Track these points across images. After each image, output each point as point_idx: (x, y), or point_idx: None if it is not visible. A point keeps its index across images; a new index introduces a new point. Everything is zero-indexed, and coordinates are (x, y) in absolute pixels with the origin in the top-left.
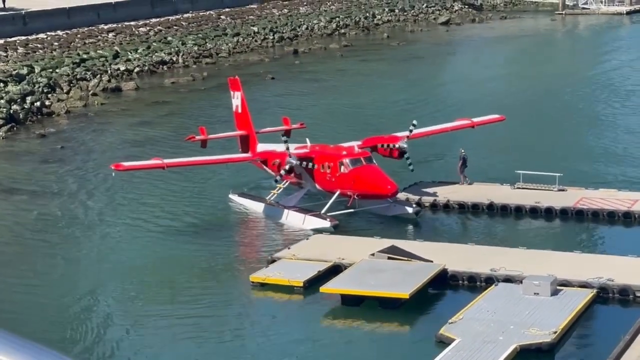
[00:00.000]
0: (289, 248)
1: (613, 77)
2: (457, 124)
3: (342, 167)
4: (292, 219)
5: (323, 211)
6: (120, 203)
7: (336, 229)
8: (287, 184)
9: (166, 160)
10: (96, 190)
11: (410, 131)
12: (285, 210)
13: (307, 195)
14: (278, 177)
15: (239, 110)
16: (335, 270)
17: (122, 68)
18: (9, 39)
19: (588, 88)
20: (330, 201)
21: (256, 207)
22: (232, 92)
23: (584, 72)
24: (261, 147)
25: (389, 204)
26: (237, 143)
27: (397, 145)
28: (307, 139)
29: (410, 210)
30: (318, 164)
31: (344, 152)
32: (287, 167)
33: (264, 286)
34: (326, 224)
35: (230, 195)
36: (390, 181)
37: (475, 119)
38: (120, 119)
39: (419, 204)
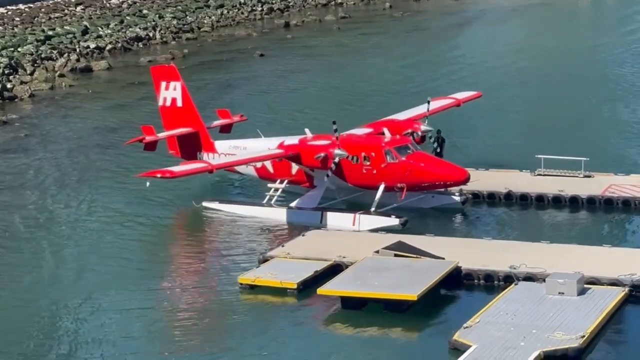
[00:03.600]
0: (282, 246)
1: None
2: (442, 103)
3: (389, 157)
4: (335, 221)
5: (372, 209)
6: (90, 201)
7: (404, 227)
8: (285, 183)
9: (213, 162)
10: (65, 184)
11: (428, 109)
12: (315, 213)
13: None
14: (329, 172)
15: (178, 104)
16: (334, 270)
17: (93, 45)
18: None
19: (618, 62)
20: (377, 197)
21: (260, 213)
22: (163, 83)
23: (614, 44)
24: (223, 144)
25: (425, 195)
26: (176, 144)
27: (421, 130)
28: (307, 129)
29: (458, 199)
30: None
31: (386, 140)
32: (336, 159)
33: (253, 288)
34: (392, 221)
35: (205, 204)
36: (457, 166)
37: (457, 95)
38: (91, 102)
39: (473, 194)
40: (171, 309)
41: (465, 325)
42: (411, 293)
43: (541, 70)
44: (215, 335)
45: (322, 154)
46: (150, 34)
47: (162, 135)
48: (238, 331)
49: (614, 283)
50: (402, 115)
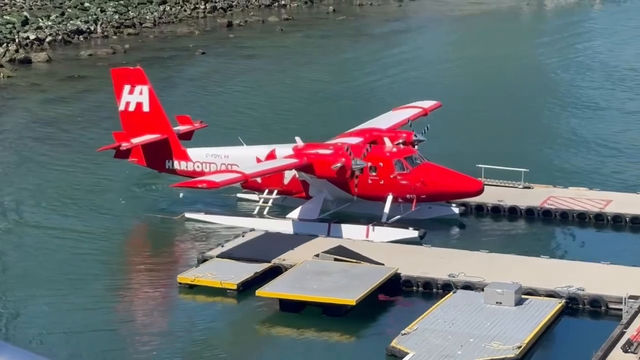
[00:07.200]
0: (222, 246)
1: (586, 61)
2: (410, 112)
3: (398, 167)
4: (346, 233)
5: (384, 220)
6: (30, 198)
7: (423, 239)
8: (275, 194)
9: (247, 172)
10: (4, 179)
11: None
12: (321, 224)
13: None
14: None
15: (145, 109)
16: (274, 272)
17: (32, 37)
18: None
19: (558, 73)
20: (387, 208)
21: (255, 225)
22: (126, 87)
23: (553, 55)
24: (199, 152)
25: (420, 206)
26: (139, 151)
27: (416, 138)
28: (298, 138)
29: (456, 210)
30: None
31: (393, 150)
32: (358, 169)
33: (192, 288)
34: (411, 233)
35: (187, 214)
36: (470, 177)
37: (420, 104)
38: (30, 94)
39: (464, 205)
40: (108, 307)
41: (403, 332)
42: (350, 298)
43: (480, 79)
44: (152, 334)
45: (339, 165)
46: (92, 28)
47: (136, 141)
48: (175, 330)
49: (551, 295)
50: (371, 124)
